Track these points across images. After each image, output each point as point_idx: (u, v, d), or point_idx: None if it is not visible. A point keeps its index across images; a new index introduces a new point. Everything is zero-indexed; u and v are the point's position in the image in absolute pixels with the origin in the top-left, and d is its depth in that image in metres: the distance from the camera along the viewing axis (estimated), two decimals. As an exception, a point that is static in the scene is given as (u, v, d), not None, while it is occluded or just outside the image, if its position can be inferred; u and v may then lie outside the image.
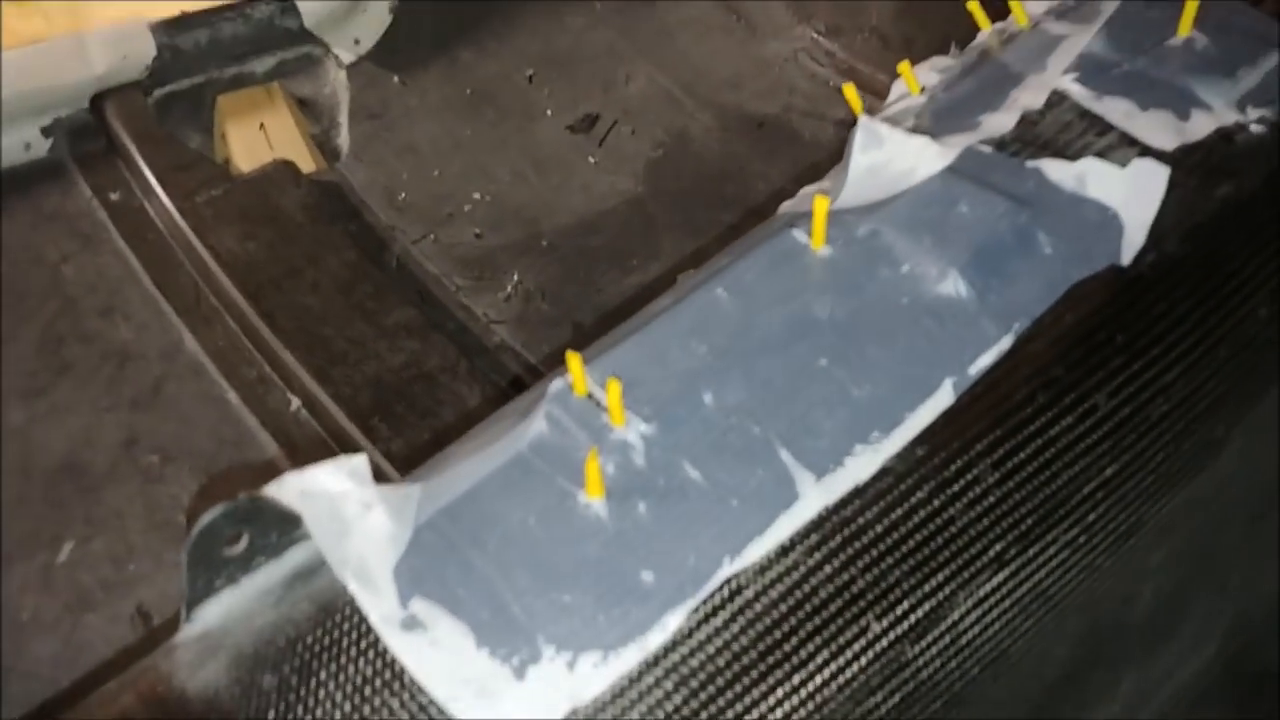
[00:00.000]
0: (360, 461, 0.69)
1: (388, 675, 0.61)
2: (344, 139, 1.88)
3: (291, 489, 0.67)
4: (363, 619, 0.63)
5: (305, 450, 1.48)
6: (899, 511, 0.69)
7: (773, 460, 0.69)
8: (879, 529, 0.68)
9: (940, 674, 0.69)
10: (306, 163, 1.80)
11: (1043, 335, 0.75)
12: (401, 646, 0.62)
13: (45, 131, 1.69)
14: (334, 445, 1.46)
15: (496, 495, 0.68)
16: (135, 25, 1.71)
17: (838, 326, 0.75)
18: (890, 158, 0.82)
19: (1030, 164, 0.83)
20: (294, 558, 0.68)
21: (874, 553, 0.68)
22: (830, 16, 2.08)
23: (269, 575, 0.67)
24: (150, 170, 1.70)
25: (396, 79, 1.94)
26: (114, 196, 1.73)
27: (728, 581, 0.65)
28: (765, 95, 1.99)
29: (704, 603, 0.64)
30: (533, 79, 1.99)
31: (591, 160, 1.89)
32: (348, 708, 0.60)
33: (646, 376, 0.73)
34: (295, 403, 1.51)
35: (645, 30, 2.07)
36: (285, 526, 0.67)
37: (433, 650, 0.61)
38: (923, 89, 0.96)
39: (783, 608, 0.65)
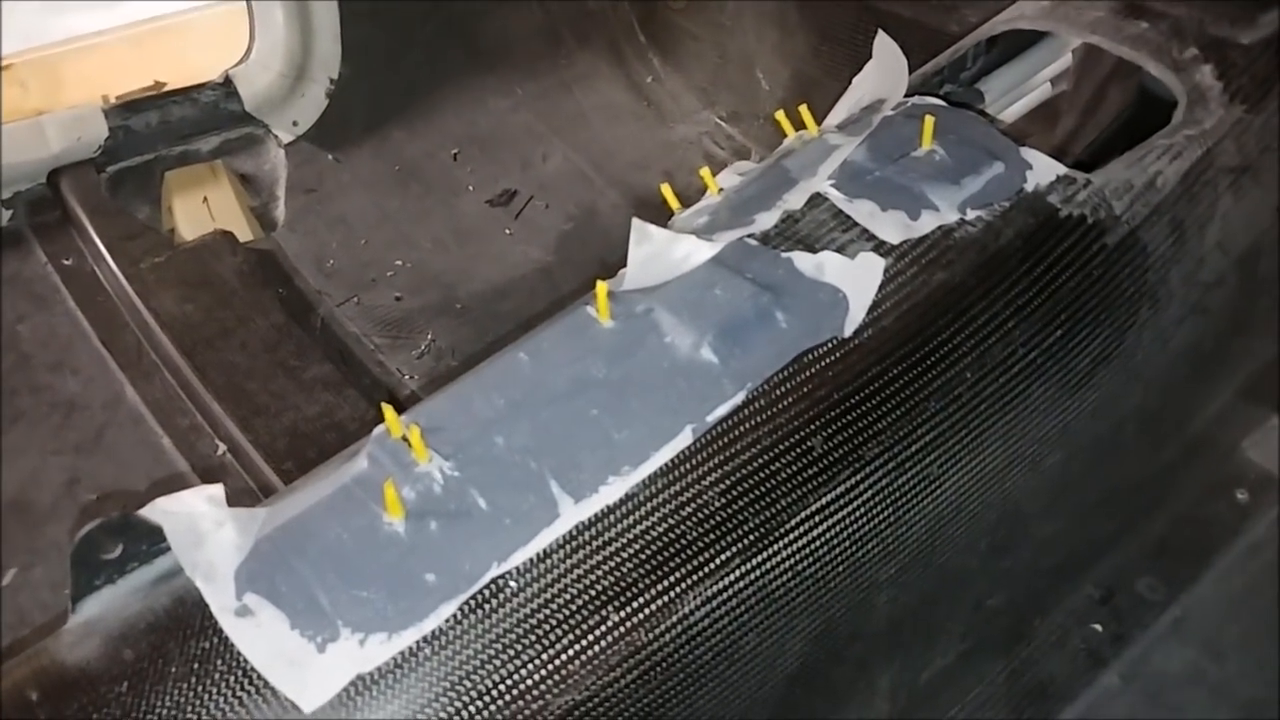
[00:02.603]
0: (217, 490, 0.88)
1: (221, 649, 0.80)
2: (281, 211, 2.08)
3: (159, 509, 0.86)
4: (206, 608, 0.81)
5: (228, 491, 1.66)
6: (639, 527, 0.87)
7: (543, 489, 0.87)
8: (622, 540, 0.87)
9: (674, 657, 0.88)
10: (245, 233, 2.00)
11: (772, 391, 0.94)
12: (233, 628, 0.80)
13: (6, 204, 1.88)
14: (254, 486, 1.64)
15: (321, 517, 0.86)
16: (89, 109, 1.91)
17: (610, 384, 0.93)
18: (660, 250, 1.01)
19: (784, 255, 1.02)
20: (162, 563, 0.86)
21: (616, 559, 0.86)
22: (732, 104, 2.30)
23: (140, 576, 0.86)
24: (100, 239, 1.89)
25: (331, 157, 2.14)
26: (67, 262, 1.92)
27: (494, 580, 0.83)
28: (668, 175, 2.19)
29: (474, 597, 0.82)
30: (457, 157, 2.19)
31: (508, 232, 2.09)
32: (187, 672, 0.78)
33: (452, 423, 0.92)
34: (222, 448, 1.70)
35: (562, 114, 2.28)
36: (154, 538, 0.86)
37: (257, 631, 0.80)
38: (721, 190, 1.16)
39: (538, 601, 0.84)
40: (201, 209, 1.99)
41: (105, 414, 1.75)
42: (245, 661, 0.79)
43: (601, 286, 0.97)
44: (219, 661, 0.79)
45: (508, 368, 0.96)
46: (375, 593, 0.82)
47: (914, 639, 1.13)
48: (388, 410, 0.90)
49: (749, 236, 1.05)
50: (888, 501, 0.98)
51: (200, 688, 0.78)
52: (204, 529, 0.85)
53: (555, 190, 2.16)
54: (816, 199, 1.08)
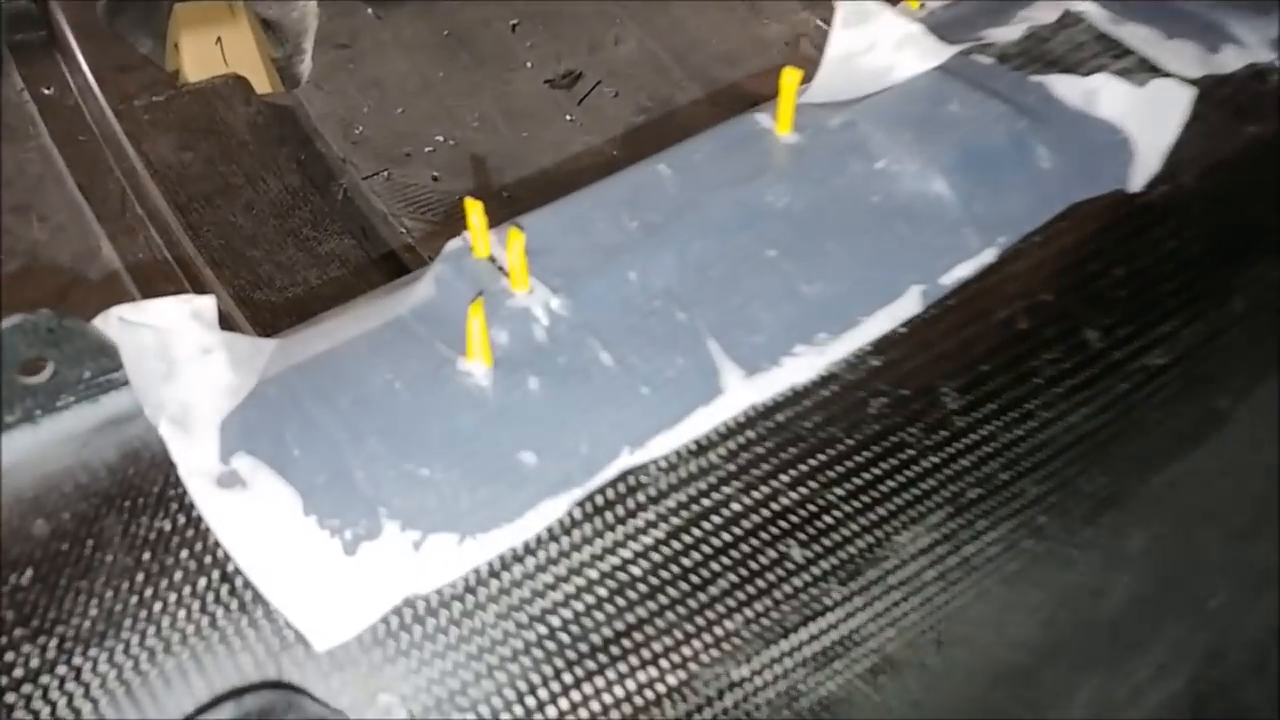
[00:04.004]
0: (207, 302, 0.58)
1: (190, 535, 0.49)
2: (307, 66, 1.77)
3: (115, 318, 0.56)
4: (172, 469, 0.51)
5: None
6: (841, 425, 0.57)
7: (697, 350, 0.58)
8: (814, 441, 0.57)
9: (872, 625, 0.57)
10: (263, 84, 1.69)
11: (1032, 254, 0.64)
12: (210, 503, 0.50)
13: (-19, 13, 1.58)
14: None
15: (361, 355, 0.56)
16: (89, -87, 1.60)
17: (793, 217, 0.64)
18: (872, 43, 0.71)
19: (1034, 78, 0.72)
20: (114, 403, 0.56)
21: (805, 468, 0.56)
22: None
23: (77, 418, 0.55)
24: (90, 68, 1.59)
25: (370, 10, 1.84)
26: (48, 91, 1.62)
27: (625, 475, 0.53)
28: (761, 76, 1.88)
29: (593, 496, 0.52)
30: (516, 28, 1.89)
31: (569, 118, 1.78)
32: (129, 563, 0.48)
33: (563, 245, 0.62)
34: (211, 324, 1.39)
35: (641, -7, 1.98)
36: (103, 361, 0.55)
37: (248, 511, 0.49)
38: (922, 4, 0.85)
39: (687, 514, 0.53)
40: (213, 50, 1.69)
41: (73, 270, 1.44)
42: (227, 558, 0.48)
43: (790, 74, 0.66)
44: (184, 554, 0.49)
45: (642, 180, 0.66)
46: (442, 470, 0.52)
47: (1131, 640, 0.83)
48: (473, 206, 0.59)
49: (979, 53, 0.75)
50: (1174, 427, 0.68)
51: (150, 591, 0.48)
52: (181, 354, 0.55)
53: (626, 77, 1.85)
54: (1068, 19, 0.78)
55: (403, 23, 1.85)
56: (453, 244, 0.61)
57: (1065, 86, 0.71)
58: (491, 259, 0.60)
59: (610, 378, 0.56)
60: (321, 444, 0.52)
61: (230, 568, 0.48)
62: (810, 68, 1.84)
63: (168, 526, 0.50)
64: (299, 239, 1.45)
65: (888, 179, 0.65)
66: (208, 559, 0.49)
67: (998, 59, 0.74)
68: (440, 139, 1.72)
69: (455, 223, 1.59)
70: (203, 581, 0.48)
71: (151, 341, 0.56)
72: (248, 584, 0.48)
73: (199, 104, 1.58)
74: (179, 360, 0.55)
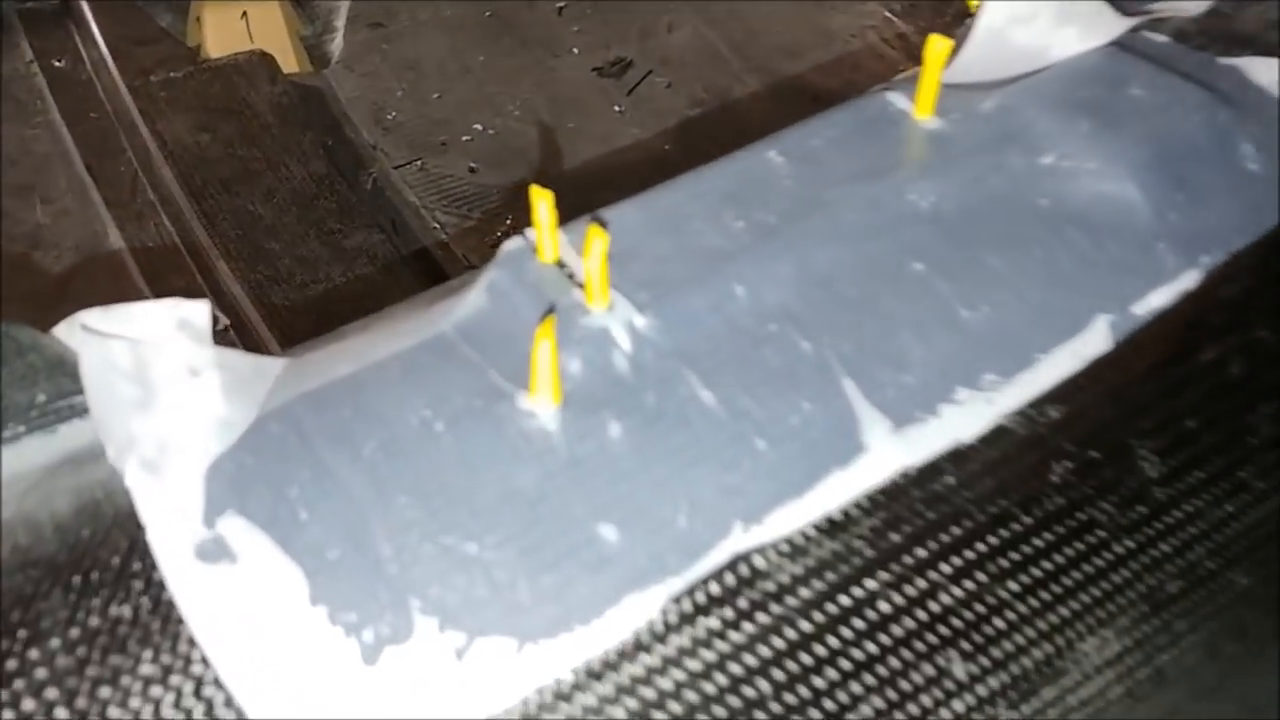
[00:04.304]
0: (198, 309, 0.45)
1: (154, 627, 0.36)
2: (337, 45, 1.66)
3: (80, 325, 0.43)
4: (141, 532, 0.38)
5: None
6: (1016, 497, 0.44)
7: (828, 391, 0.44)
8: (982, 519, 0.43)
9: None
10: (290, 63, 1.58)
11: (1241, 279, 0.51)
12: (185, 583, 0.37)
13: (-14, -19, 1.48)
14: (259, 375, 1.22)
15: (392, 384, 0.43)
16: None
17: (942, 222, 0.50)
18: (1034, 11, 0.58)
19: (1224, 61, 0.59)
20: (72, 436, 0.43)
21: (972, 555, 0.42)
22: (908, -6, 1.86)
23: (24, 455, 0.43)
24: (105, 40, 1.48)
25: (407, -13, 1.72)
26: (59, 64, 1.52)
27: (737, 562, 0.40)
28: (826, 69, 1.76)
29: (694, 589, 0.39)
30: (562, 11, 1.77)
31: (617, 109, 1.66)
32: (71, 665, 0.35)
33: (651, 249, 0.49)
34: (223, 321, 1.27)
35: (697, -23, 1.86)
36: (60, 383, 0.43)
37: (235, 596, 0.36)
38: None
39: (820, 616, 0.40)
40: (238, 26, 1.57)
41: (76, 257, 1.34)
42: (204, 663, 0.36)
43: (938, 42, 0.53)
44: (146, 655, 0.36)
45: (751, 172, 0.53)
46: (495, 547, 0.39)
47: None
48: (539, 195, 0.46)
49: (1150, 30, 0.61)
50: None
51: (97, 709, 0.35)
52: (161, 376, 0.43)
53: (680, 67, 1.74)
54: (1252, -6, 0.64)
55: (442, 2, 1.73)
56: (512, 244, 0.48)
57: (1265, 71, 0.58)
58: (561, 264, 0.47)
59: (714, 425, 0.43)
60: (337, 504, 0.39)
61: (207, 676, 0.35)
62: (877, 62, 1.69)
63: (127, 613, 0.37)
64: (323, 231, 1.35)
65: (1059, 178, 0.52)
66: (178, 664, 0.36)
67: (1174, 36, 0.61)
68: (479, 128, 1.61)
69: (494, 219, 1.47)
70: (169, 697, 0.35)
71: (124, 358, 0.43)
72: (229, 701, 0.35)
73: (220, 82, 1.49)
74: (158, 383, 0.43)
